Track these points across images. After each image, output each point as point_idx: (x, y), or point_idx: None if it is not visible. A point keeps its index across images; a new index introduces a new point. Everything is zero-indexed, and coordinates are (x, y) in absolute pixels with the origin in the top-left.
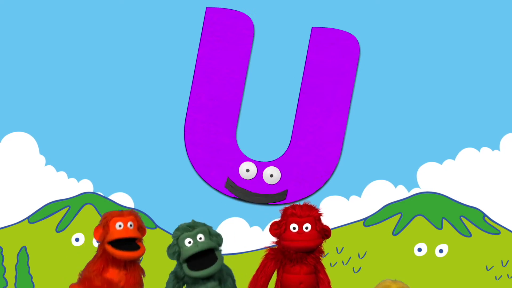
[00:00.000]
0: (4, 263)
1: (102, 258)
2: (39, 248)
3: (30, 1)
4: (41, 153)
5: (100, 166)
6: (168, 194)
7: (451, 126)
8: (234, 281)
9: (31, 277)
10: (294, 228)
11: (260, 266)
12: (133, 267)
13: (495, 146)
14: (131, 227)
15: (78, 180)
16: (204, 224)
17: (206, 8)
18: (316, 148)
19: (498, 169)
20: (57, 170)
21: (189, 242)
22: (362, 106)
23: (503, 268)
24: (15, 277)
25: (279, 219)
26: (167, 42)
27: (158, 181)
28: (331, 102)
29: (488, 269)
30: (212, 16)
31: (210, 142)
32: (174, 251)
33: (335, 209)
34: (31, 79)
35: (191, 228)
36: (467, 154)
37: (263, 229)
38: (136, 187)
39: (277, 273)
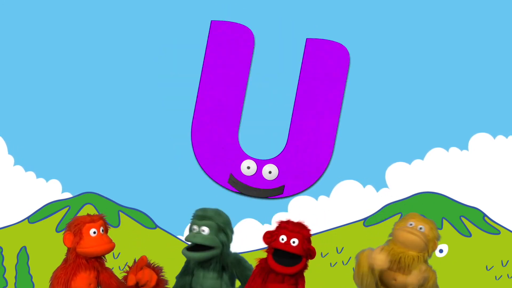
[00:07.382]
0: (4, 263)
1: (74, 265)
2: (39, 248)
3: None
4: (9, 153)
5: (70, 166)
6: (169, 193)
7: (419, 126)
8: (239, 275)
9: (31, 277)
10: (282, 239)
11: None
12: (104, 267)
13: (463, 146)
14: (103, 232)
15: (47, 180)
16: (221, 218)
17: (211, 21)
18: (310, 147)
19: (467, 168)
20: (26, 170)
21: (193, 230)
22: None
23: (503, 268)
24: (15, 277)
25: (273, 229)
26: (174, 50)
27: (158, 180)
28: (324, 106)
29: (488, 269)
30: (217, 28)
31: (215, 141)
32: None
33: (304, 210)
34: None
35: (204, 217)
36: (435, 154)
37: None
38: (132, 187)
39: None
